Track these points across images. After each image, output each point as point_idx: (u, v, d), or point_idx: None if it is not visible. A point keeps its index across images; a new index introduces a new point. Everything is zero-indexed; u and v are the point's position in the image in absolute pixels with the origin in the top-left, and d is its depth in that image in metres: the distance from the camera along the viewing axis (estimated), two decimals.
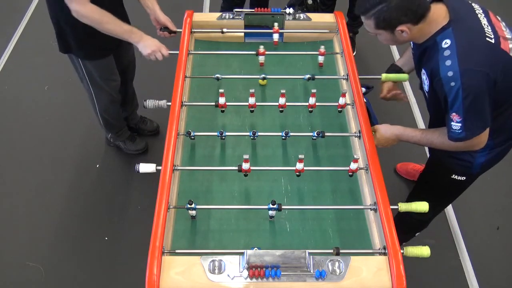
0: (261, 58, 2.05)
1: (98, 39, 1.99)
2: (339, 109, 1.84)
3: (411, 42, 1.66)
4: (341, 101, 1.81)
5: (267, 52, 2.11)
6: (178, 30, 2.17)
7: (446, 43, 1.42)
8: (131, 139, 2.77)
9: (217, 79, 1.94)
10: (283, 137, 1.75)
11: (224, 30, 2.12)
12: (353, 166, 1.61)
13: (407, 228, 2.10)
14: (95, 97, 2.37)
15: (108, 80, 2.32)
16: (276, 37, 2.13)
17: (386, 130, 1.72)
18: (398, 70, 1.91)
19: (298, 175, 1.65)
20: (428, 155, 2.03)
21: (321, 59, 2.08)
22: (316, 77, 1.97)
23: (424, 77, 1.56)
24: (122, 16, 2.17)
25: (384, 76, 1.90)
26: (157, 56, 2.02)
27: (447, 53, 1.41)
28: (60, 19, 2.00)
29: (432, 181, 1.96)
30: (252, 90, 1.75)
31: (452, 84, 1.39)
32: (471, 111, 1.42)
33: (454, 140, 1.51)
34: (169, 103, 1.80)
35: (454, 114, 1.44)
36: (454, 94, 1.40)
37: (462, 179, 1.81)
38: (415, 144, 1.71)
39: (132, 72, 2.56)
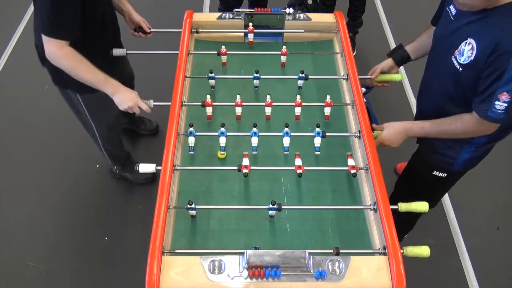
0: (224, 58, 2.06)
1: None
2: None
3: (453, 8, 1.58)
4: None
5: (267, 52, 2.11)
6: (153, 30, 2.16)
7: None
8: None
9: (211, 78, 1.93)
10: (285, 134, 1.73)
11: (199, 30, 2.13)
12: (350, 162, 1.61)
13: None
14: (96, 129, 2.25)
15: (108, 109, 2.18)
16: (251, 36, 2.13)
17: (394, 125, 1.71)
18: (405, 56, 1.91)
19: (299, 176, 1.63)
20: None
21: (283, 59, 2.07)
22: (316, 77, 1.97)
23: (467, 47, 1.47)
24: (115, 35, 2.06)
25: (378, 78, 1.97)
26: (134, 110, 1.90)
27: None
28: None
29: (413, 177, 1.97)
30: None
31: None
32: None
33: (490, 119, 1.45)
34: (155, 103, 1.86)
35: (505, 93, 1.38)
36: None
37: (443, 175, 1.82)
38: (424, 136, 1.70)
39: (131, 84, 2.44)
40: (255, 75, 1.93)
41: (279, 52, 2.05)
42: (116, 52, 2.06)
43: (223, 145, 1.73)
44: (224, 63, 2.08)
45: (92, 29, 1.80)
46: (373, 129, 1.78)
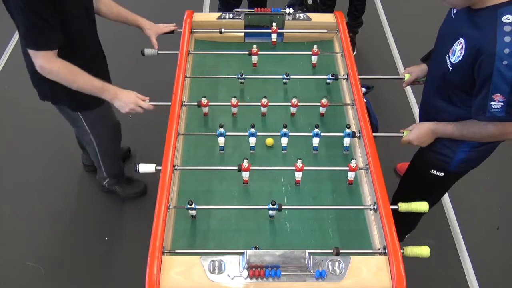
0: (254, 58, 2.06)
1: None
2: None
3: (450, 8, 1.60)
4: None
5: (267, 52, 2.11)
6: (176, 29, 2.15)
7: (508, 18, 1.36)
8: (127, 182, 2.58)
9: (240, 78, 1.94)
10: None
11: (223, 30, 2.12)
12: (350, 175, 1.63)
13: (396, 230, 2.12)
14: (97, 146, 2.21)
15: (110, 123, 2.20)
16: (274, 37, 2.14)
17: (422, 125, 1.72)
18: None
19: (297, 183, 1.66)
20: None
21: (314, 59, 2.08)
22: (316, 77, 1.97)
23: (458, 46, 1.50)
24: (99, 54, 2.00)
25: (407, 76, 1.97)
26: (137, 111, 1.84)
27: (507, 28, 1.35)
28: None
29: (413, 175, 1.97)
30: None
31: (505, 62, 1.34)
32: None
33: (490, 119, 1.46)
34: (155, 103, 1.85)
35: (498, 94, 1.39)
36: (503, 74, 1.36)
37: (440, 174, 1.83)
38: (450, 137, 1.70)
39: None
40: (285, 76, 1.96)
41: (282, 52, 2.04)
42: (148, 52, 2.07)
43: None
44: (255, 64, 2.08)
45: (71, 37, 1.71)
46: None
